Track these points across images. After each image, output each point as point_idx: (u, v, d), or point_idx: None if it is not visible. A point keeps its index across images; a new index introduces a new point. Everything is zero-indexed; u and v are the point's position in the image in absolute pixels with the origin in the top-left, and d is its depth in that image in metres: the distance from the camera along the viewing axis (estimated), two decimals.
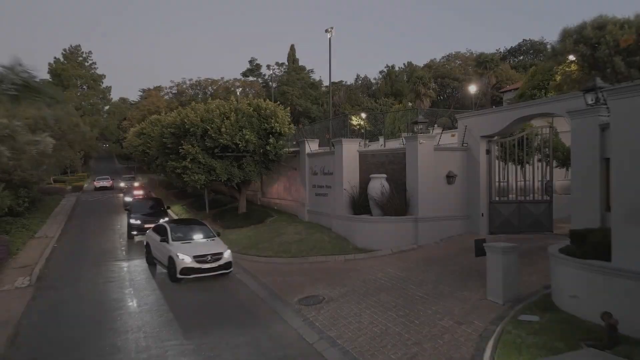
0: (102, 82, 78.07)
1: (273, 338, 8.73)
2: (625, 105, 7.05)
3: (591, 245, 7.79)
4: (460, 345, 7.53)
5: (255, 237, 17.43)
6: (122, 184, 41.68)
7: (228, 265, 13.05)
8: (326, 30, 23.21)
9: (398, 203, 14.91)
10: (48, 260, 15.88)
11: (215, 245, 13.48)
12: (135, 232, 19.40)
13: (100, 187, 43.65)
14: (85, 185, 47.95)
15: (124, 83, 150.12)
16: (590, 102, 9.53)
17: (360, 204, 15.79)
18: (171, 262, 12.78)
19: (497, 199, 15.24)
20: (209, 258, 12.70)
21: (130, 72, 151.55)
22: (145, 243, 15.43)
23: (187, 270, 12.44)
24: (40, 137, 4.85)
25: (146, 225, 18.47)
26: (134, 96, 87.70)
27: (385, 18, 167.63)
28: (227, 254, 13.19)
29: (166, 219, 18.72)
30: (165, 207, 22.10)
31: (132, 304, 11.23)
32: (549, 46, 35.93)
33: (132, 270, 14.71)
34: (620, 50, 20.10)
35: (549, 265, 9.01)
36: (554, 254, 8.49)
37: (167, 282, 12.89)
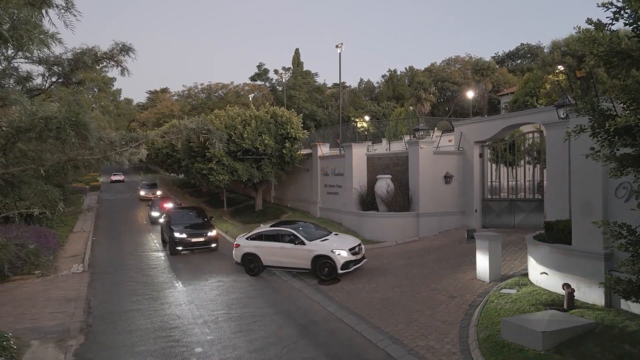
0: (113, 85, 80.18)
1: (301, 309, 10.76)
2: (583, 121, 8.99)
3: (557, 232, 9.79)
4: (453, 312, 9.57)
5: None
6: (142, 193, 37.17)
7: (364, 255, 13.69)
8: (336, 46, 25.40)
9: (401, 200, 16.94)
10: (92, 251, 17.99)
11: (349, 238, 13.98)
12: (180, 248, 16.99)
13: (115, 180, 53.44)
14: (100, 181, 50.50)
15: (125, 83, 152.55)
16: (561, 115, 11.50)
17: (368, 201, 17.84)
18: (323, 260, 12.71)
19: (489, 196, 17.23)
20: (357, 249, 13.10)
21: (132, 72, 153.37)
22: (243, 253, 13.95)
23: (347, 264, 12.57)
24: (138, 149, 6.88)
25: (193, 240, 17.02)
26: (137, 97, 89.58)
27: (386, 20, 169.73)
28: (362, 245, 13.75)
29: (213, 232, 17.78)
30: (209, 218, 19.68)
31: (179, 284, 13.25)
32: (545, 50, 37.76)
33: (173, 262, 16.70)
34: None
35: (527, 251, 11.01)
36: (529, 240, 10.49)
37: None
